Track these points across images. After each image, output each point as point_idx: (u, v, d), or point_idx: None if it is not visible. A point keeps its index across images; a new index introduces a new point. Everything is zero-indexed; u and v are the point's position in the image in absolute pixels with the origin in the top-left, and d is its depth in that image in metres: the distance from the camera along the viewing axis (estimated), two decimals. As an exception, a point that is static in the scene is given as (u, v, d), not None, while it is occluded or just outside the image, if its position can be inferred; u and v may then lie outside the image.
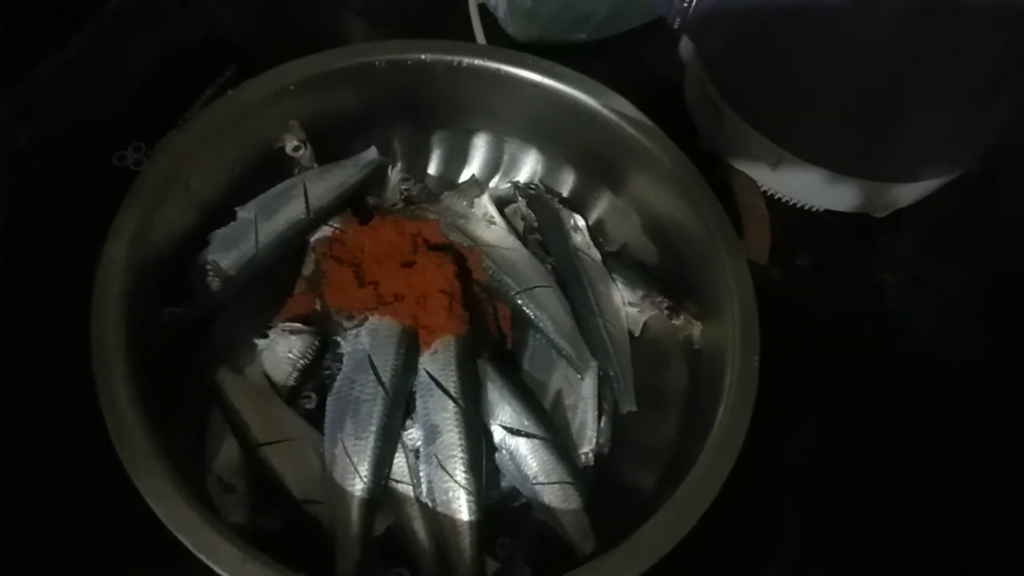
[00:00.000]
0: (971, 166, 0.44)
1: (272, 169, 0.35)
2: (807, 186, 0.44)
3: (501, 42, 0.49)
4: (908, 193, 0.45)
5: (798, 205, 0.46)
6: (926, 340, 0.44)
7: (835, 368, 0.42)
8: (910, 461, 0.39)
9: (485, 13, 0.49)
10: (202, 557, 0.26)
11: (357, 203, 0.37)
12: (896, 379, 0.42)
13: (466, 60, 0.35)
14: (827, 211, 0.46)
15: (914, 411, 0.41)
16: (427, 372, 0.32)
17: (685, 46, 0.48)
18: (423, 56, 0.34)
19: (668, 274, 0.37)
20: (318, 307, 0.35)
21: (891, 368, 0.43)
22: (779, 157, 0.43)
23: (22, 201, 0.40)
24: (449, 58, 0.35)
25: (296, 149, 0.35)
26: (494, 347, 0.35)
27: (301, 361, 0.33)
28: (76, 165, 0.42)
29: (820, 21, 0.37)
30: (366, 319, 0.33)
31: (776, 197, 0.46)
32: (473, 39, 0.48)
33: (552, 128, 0.37)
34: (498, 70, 0.35)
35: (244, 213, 0.34)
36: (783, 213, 0.45)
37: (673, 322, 0.34)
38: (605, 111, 0.35)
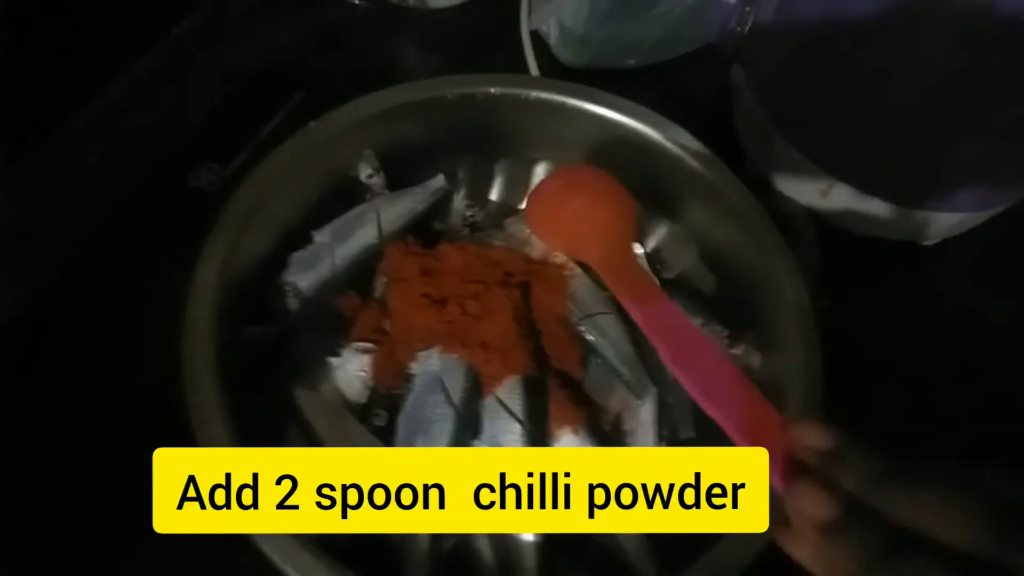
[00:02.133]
0: (1022, 197, 0.44)
1: (346, 195, 0.37)
2: (856, 213, 0.45)
3: (552, 68, 0.50)
4: (958, 222, 0.45)
5: (847, 231, 0.46)
6: (975, 369, 0.44)
7: (884, 395, 0.42)
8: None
9: (537, 39, 0.51)
10: (287, 568, 0.27)
11: (423, 228, 0.38)
12: (946, 408, 0.42)
13: (534, 94, 0.36)
14: (875, 238, 0.46)
15: (964, 439, 0.41)
16: (495, 396, 0.33)
17: (736, 73, 0.49)
18: (492, 90, 0.36)
19: (727, 303, 0.37)
20: (386, 328, 0.36)
21: (941, 397, 0.43)
22: (829, 184, 0.44)
23: (97, 217, 0.42)
24: (518, 91, 0.36)
25: (370, 177, 0.36)
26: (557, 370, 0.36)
27: (372, 380, 0.34)
28: (150, 183, 0.44)
29: (873, 49, 0.37)
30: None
31: (825, 223, 0.46)
32: (525, 65, 0.50)
33: (613, 158, 0.38)
34: (564, 103, 0.37)
35: (321, 237, 0.35)
36: (832, 239, 0.46)
37: (732, 351, 0.35)
38: (667, 143, 0.36)
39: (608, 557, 0.32)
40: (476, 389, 0.33)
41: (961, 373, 0.44)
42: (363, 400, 0.34)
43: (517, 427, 0.32)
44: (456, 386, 0.33)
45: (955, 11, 0.34)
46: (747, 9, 0.47)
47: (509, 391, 0.33)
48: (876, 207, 0.43)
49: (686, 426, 0.35)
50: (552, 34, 0.50)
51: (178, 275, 0.32)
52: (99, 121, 0.47)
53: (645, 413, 0.35)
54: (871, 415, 0.41)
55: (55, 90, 0.46)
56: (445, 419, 0.32)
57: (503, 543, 0.31)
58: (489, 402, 0.33)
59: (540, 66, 0.49)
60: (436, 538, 0.31)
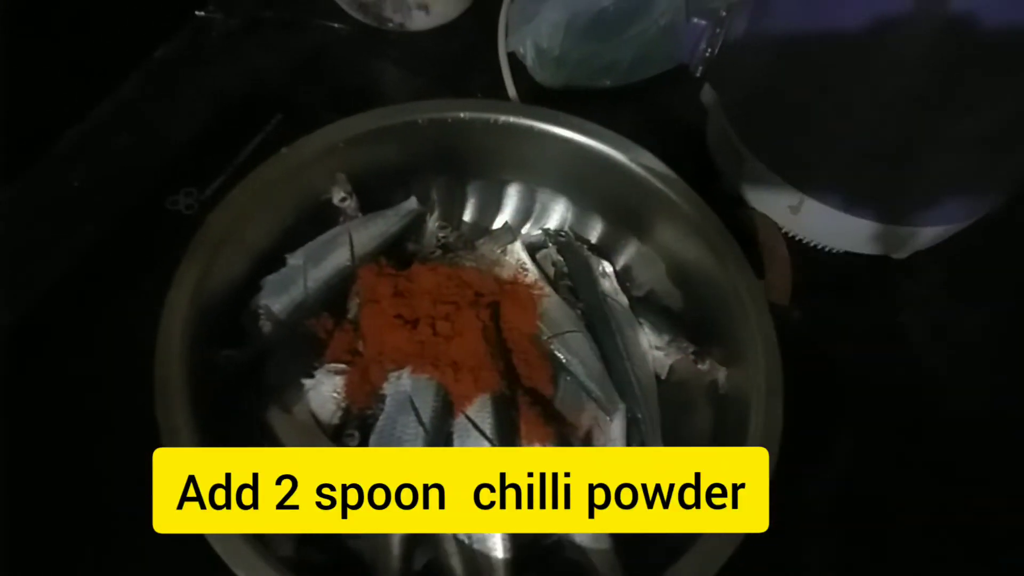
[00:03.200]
0: (991, 210, 0.45)
1: (319, 218, 0.38)
2: (827, 228, 0.45)
3: (529, 88, 0.51)
4: (928, 235, 0.46)
5: (818, 247, 0.47)
6: (946, 381, 0.45)
7: (856, 408, 0.43)
8: (934, 501, 0.40)
9: (515, 61, 0.52)
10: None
11: (397, 250, 0.39)
12: (917, 420, 0.43)
13: (502, 118, 0.37)
14: (847, 252, 0.47)
15: (936, 451, 0.42)
16: (465, 415, 0.33)
17: (707, 92, 0.50)
18: (462, 114, 0.37)
19: (693, 319, 0.38)
20: (360, 348, 0.36)
21: (912, 409, 0.43)
22: (799, 200, 0.45)
23: (79, 240, 0.43)
24: (486, 116, 0.37)
25: (343, 200, 0.37)
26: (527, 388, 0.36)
27: (344, 400, 0.35)
28: (131, 207, 0.45)
29: (841, 68, 0.38)
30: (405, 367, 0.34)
31: (797, 239, 0.47)
32: (503, 86, 0.51)
33: (582, 179, 0.39)
34: (531, 127, 0.38)
35: (294, 260, 0.36)
36: (804, 254, 0.47)
37: (699, 366, 0.36)
38: (632, 164, 0.37)
39: (578, 571, 0.32)
40: (447, 408, 0.34)
41: (934, 384, 0.44)
42: (336, 421, 0.35)
43: (487, 445, 0.33)
44: (426, 406, 0.33)
45: (923, 29, 0.34)
46: (717, 30, 0.48)
47: (479, 410, 0.33)
48: (846, 222, 0.44)
49: (655, 441, 0.35)
50: (529, 56, 0.51)
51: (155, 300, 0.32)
52: (81, 146, 0.48)
53: (614, 429, 0.35)
54: (846, 427, 0.42)
55: (37, 115, 0.46)
56: (416, 439, 0.33)
57: (474, 559, 0.32)
58: (460, 421, 0.34)
59: (518, 87, 0.50)
60: (407, 556, 0.31)
